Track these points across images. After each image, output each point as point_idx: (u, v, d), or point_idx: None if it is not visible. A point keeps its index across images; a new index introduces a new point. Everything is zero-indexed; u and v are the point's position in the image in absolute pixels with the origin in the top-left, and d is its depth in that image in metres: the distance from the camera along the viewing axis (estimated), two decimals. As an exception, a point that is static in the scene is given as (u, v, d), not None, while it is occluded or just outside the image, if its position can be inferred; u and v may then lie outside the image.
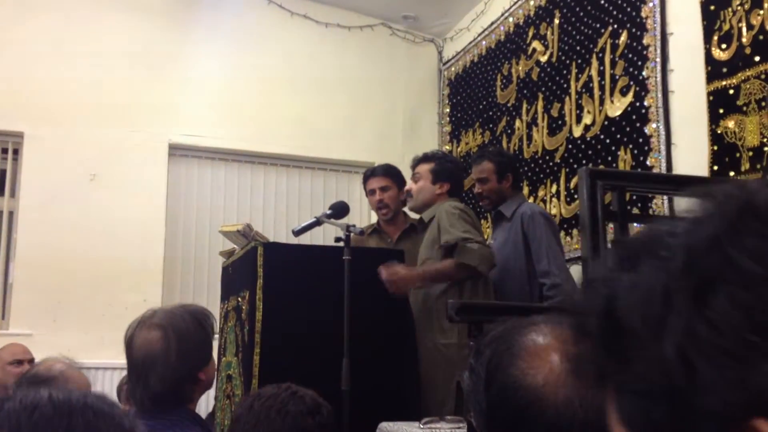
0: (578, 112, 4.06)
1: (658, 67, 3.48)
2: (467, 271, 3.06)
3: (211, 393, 4.30)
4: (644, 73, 3.56)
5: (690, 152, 3.27)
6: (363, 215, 5.35)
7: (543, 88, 4.42)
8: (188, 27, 5.21)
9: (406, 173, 3.79)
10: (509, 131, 4.75)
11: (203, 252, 5.08)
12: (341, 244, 2.85)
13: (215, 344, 3.55)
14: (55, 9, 4.89)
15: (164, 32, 5.13)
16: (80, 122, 4.85)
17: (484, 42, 5.18)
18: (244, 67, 5.28)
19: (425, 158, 3.48)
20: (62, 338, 4.27)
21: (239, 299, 3.06)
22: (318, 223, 3.13)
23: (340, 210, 3.16)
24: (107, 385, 4.32)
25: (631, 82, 3.64)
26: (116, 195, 4.84)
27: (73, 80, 4.86)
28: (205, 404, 4.61)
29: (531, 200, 4.25)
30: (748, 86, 2.97)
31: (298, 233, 3.18)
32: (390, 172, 3.76)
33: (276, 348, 2.80)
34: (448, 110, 5.63)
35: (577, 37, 4.12)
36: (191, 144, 5.11)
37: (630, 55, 3.67)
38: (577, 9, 4.13)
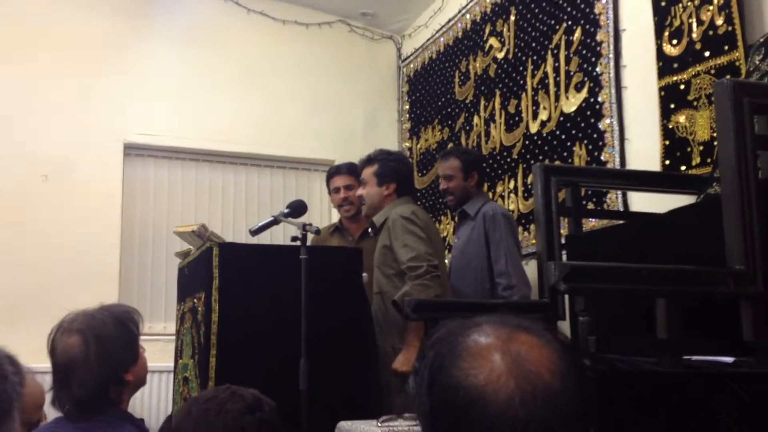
0: (534, 108, 4.09)
1: (612, 63, 3.52)
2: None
3: (170, 396, 4.26)
4: (598, 69, 3.60)
5: (643, 147, 3.31)
6: (324, 213, 5.33)
7: (500, 85, 4.44)
8: (143, 24, 5.12)
9: (367, 171, 3.77)
10: (468, 128, 4.77)
11: (160, 253, 5.01)
12: (298, 243, 2.82)
13: (171, 346, 3.51)
14: (6, 6, 4.77)
15: (119, 30, 5.04)
16: (31, 121, 4.74)
17: (442, 39, 5.19)
18: (200, 64, 5.22)
19: (368, 161, 3.41)
20: (16, 342, 4.14)
21: (195, 301, 3.02)
22: (275, 222, 3.09)
23: (297, 209, 3.13)
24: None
25: (585, 78, 3.68)
26: (70, 196, 4.74)
27: (23, 78, 4.75)
28: (164, 407, 4.56)
29: (489, 196, 4.28)
30: (698, 81, 3.01)
31: (255, 233, 3.15)
32: (355, 170, 3.73)
33: (232, 349, 2.76)
34: (407, 107, 5.63)
35: (533, 33, 4.14)
36: (147, 143, 5.03)
37: (584, 52, 3.70)
38: (533, 6, 4.15)
